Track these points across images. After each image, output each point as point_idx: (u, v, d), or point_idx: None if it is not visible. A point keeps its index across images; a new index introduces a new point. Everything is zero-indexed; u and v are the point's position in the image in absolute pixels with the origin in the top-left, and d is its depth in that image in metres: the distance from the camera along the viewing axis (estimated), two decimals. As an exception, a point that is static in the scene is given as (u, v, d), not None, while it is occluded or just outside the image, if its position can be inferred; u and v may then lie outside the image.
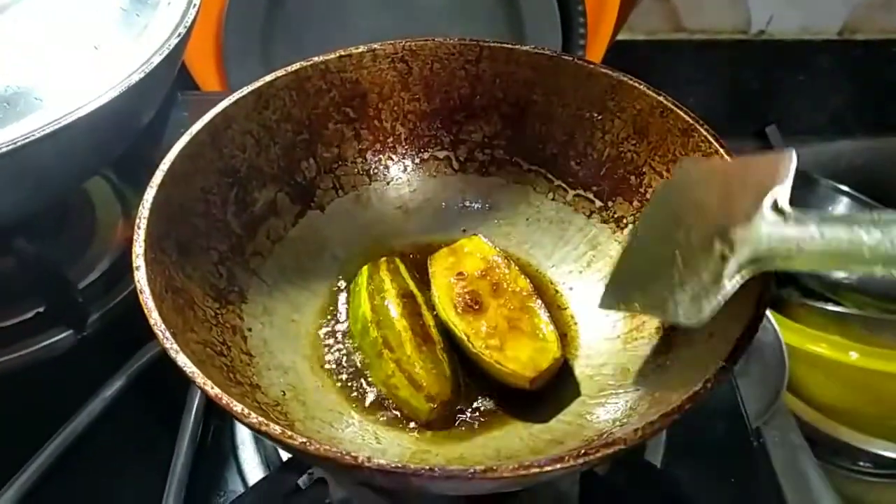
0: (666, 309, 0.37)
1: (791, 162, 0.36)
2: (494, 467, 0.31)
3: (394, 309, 0.46)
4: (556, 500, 0.46)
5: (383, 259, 0.49)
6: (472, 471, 0.30)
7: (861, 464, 0.83)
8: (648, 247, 0.42)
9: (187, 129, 0.66)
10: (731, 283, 0.34)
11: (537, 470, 0.31)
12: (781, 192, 0.34)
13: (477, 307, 0.46)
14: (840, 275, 0.82)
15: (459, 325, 0.45)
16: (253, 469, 0.48)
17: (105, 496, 0.48)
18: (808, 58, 0.97)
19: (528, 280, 0.48)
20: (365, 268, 0.49)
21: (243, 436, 0.50)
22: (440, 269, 0.49)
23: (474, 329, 0.45)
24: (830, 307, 0.79)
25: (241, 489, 0.48)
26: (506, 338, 0.45)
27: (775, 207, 0.34)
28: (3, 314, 0.55)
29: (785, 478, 0.62)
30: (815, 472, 0.67)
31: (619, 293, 0.42)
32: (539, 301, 0.47)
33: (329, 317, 0.48)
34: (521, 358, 0.43)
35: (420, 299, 0.47)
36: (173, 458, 0.48)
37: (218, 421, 0.51)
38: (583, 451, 0.31)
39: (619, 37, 0.83)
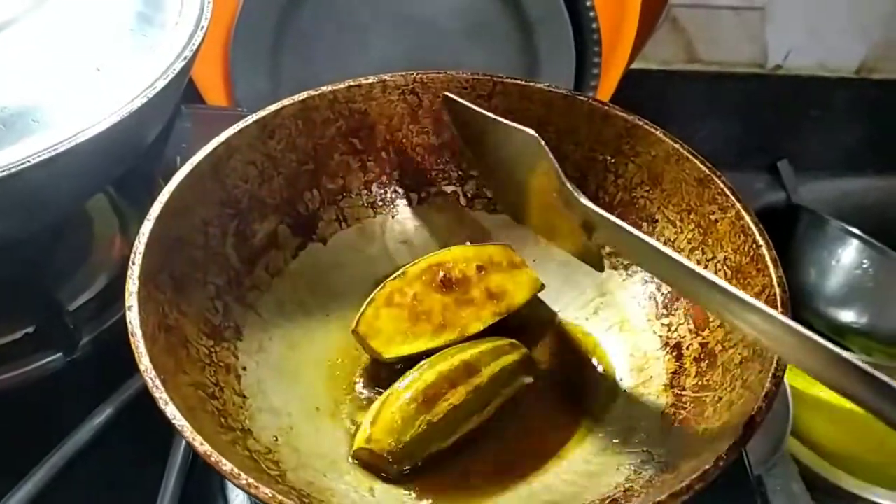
0: None
1: None
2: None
3: (444, 363, 0.44)
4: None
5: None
6: (469, 548, 0.29)
7: (858, 509, 0.82)
8: None
9: (189, 142, 0.66)
10: None
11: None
12: None
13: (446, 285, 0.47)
14: (849, 318, 0.82)
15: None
16: (241, 510, 0.47)
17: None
18: (823, 95, 0.95)
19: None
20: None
21: (233, 474, 0.49)
22: None
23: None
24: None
25: (228, 530, 0.47)
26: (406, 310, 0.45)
27: None
28: (-9, 333, 0.53)
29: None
30: (815, 524, 0.66)
31: None
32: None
33: (326, 355, 0.47)
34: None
35: (468, 371, 0.44)
36: (160, 495, 0.46)
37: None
38: (586, 532, 0.30)
39: (633, 66, 0.81)
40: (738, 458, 0.52)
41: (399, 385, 0.42)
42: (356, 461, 0.41)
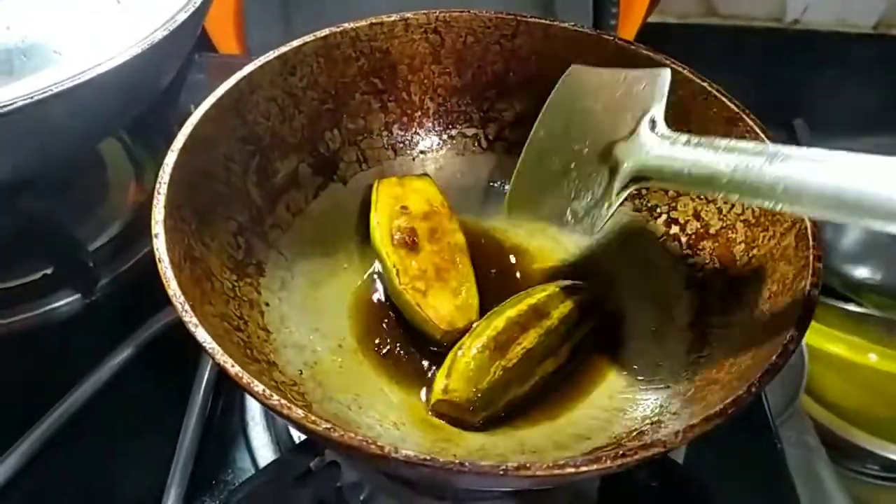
0: (564, 219, 0.39)
1: (665, 81, 0.39)
2: (528, 465, 0.29)
3: (511, 309, 0.43)
4: (574, 496, 0.45)
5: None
6: (504, 467, 0.29)
7: (869, 466, 0.82)
8: (546, 156, 0.42)
9: (203, 92, 0.65)
10: (617, 198, 0.37)
11: (572, 470, 0.29)
12: (657, 111, 0.38)
13: (412, 245, 0.46)
14: (863, 275, 0.81)
15: (392, 258, 0.45)
16: (262, 448, 0.47)
17: (109, 467, 0.47)
18: (841, 50, 0.94)
19: (464, 237, 0.47)
20: None
21: (254, 413, 0.49)
22: (386, 196, 0.48)
23: (404, 266, 0.45)
24: (851, 307, 0.78)
25: (249, 467, 0.47)
26: (431, 285, 0.44)
27: (652, 126, 0.37)
28: (10, 274, 0.53)
29: (799, 479, 0.61)
30: (829, 476, 0.66)
31: (523, 201, 0.43)
32: (468, 260, 0.46)
33: (349, 294, 0.46)
34: (441, 309, 0.43)
35: (537, 314, 0.44)
36: (181, 434, 0.47)
37: (227, 396, 0.49)
38: (620, 453, 0.30)
39: (651, 18, 0.80)
40: (759, 408, 0.53)
41: (470, 335, 0.42)
42: (434, 415, 0.41)
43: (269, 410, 0.31)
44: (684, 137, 0.36)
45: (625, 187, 0.37)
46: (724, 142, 0.35)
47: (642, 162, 0.37)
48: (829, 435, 0.79)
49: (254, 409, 0.49)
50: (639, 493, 0.44)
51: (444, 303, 0.43)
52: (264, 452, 0.47)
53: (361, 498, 0.44)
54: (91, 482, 0.46)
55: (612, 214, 0.36)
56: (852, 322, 0.77)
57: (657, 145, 0.36)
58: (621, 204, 0.38)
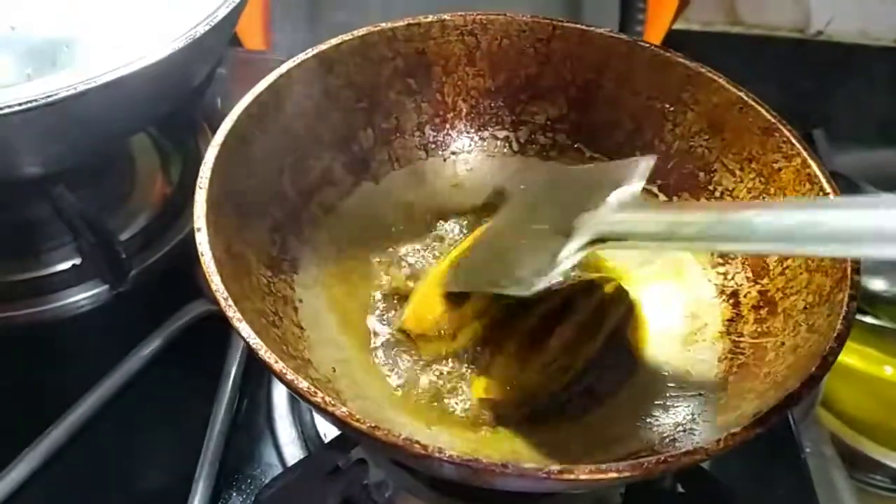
0: (500, 284, 0.39)
1: (647, 167, 0.39)
2: (571, 469, 0.29)
3: (541, 305, 0.44)
4: (597, 500, 0.45)
5: None
6: (547, 470, 0.29)
7: (878, 477, 0.82)
8: (498, 238, 0.44)
9: (227, 87, 0.65)
10: (567, 261, 0.36)
11: (615, 475, 0.29)
12: (631, 190, 0.37)
13: None
14: (879, 287, 0.81)
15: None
16: (289, 444, 0.47)
17: (137, 458, 0.47)
18: (863, 62, 0.94)
19: None
20: None
21: (280, 409, 0.49)
22: None
23: None
24: (867, 319, 0.78)
25: (275, 462, 0.47)
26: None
27: (622, 195, 0.37)
28: (38, 264, 0.53)
29: (817, 489, 0.61)
30: (845, 485, 0.66)
31: (463, 277, 0.43)
32: None
33: (379, 292, 0.46)
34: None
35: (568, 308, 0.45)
36: (208, 427, 0.47)
37: (253, 391, 0.50)
38: (663, 459, 0.30)
39: (674, 26, 0.81)
40: (783, 417, 0.53)
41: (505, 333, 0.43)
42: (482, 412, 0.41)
43: (313, 408, 0.31)
44: (653, 204, 0.37)
45: (580, 250, 0.36)
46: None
47: (604, 226, 0.36)
48: (841, 445, 0.79)
49: (280, 404, 0.49)
50: (664, 499, 0.44)
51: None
52: (291, 448, 0.47)
53: (387, 496, 0.44)
54: (119, 472, 0.47)
55: (557, 276, 0.37)
56: (867, 334, 0.77)
57: (621, 212, 0.36)
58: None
